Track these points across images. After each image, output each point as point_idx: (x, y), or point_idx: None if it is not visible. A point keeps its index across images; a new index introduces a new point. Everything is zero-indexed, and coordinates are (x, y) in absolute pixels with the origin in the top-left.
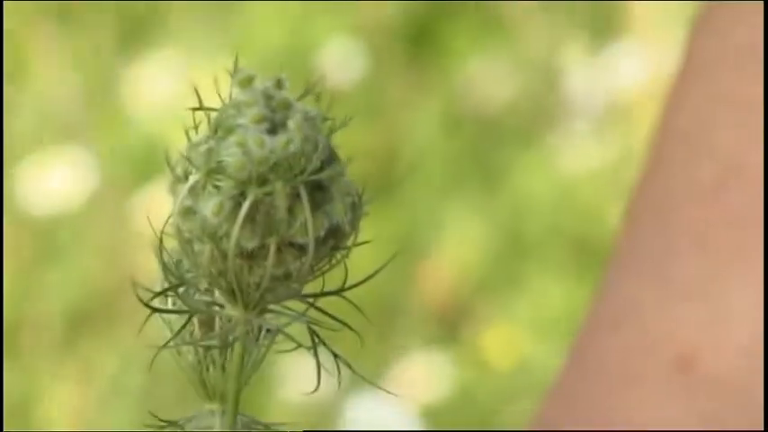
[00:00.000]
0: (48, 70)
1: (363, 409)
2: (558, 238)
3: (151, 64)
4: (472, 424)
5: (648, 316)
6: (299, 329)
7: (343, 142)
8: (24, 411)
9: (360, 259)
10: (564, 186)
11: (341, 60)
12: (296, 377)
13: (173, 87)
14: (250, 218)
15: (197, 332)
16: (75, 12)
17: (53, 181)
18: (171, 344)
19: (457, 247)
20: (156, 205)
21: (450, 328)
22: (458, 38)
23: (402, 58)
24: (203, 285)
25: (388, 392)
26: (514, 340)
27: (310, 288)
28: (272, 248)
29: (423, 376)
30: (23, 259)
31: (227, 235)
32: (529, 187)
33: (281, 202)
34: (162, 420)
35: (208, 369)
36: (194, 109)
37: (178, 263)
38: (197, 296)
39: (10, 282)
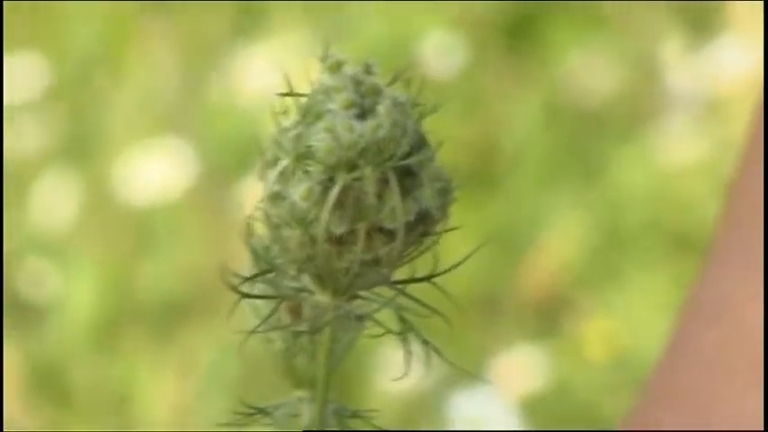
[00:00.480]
0: (148, 61)
1: (463, 400)
2: (656, 231)
3: (254, 55)
4: (570, 417)
5: (746, 310)
6: (391, 317)
7: (442, 134)
8: (124, 404)
9: (458, 251)
10: (663, 180)
11: (441, 52)
12: (396, 367)
13: (275, 79)
14: (339, 203)
15: (285, 319)
16: (177, 3)
17: (153, 171)
18: (260, 329)
19: (556, 241)
20: (256, 195)
21: (549, 321)
22: (558, 30)
23: (502, 50)
24: (292, 271)
25: (487, 383)
26: (613, 333)
27: (400, 275)
28: (362, 234)
29: (521, 369)
30: (123, 250)
31: (317, 220)
32: (628, 180)
33: (370, 188)
34: (251, 407)
35: (296, 356)
36: (284, 95)
37: (267, 249)
38: (286, 282)
39: (109, 273)
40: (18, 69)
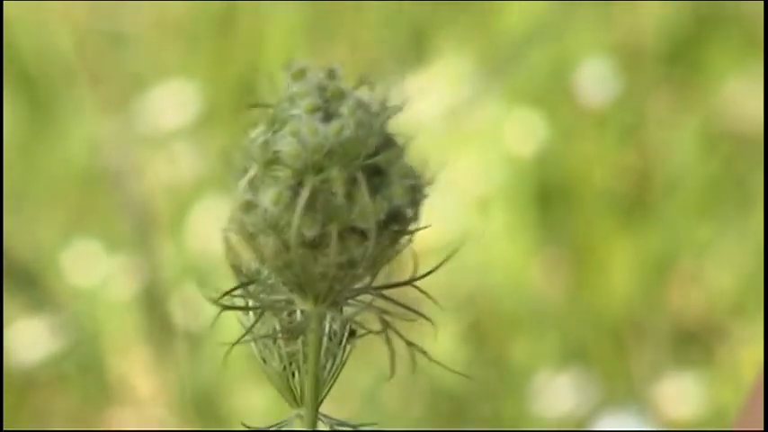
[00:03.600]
0: None
1: (616, 426)
2: None
3: (412, 86)
4: None
5: None
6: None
7: (599, 161)
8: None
9: (615, 277)
10: None
11: (598, 80)
12: (551, 394)
13: (434, 108)
14: (310, 206)
15: (279, 339)
16: (346, 30)
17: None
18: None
19: (712, 268)
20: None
21: (704, 348)
22: (715, 57)
23: (658, 77)
24: (272, 281)
25: (641, 410)
26: None
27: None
28: (334, 235)
29: (676, 395)
30: None
31: (289, 224)
32: None
33: (339, 188)
34: (249, 429)
35: (293, 375)
36: (252, 106)
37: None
38: (269, 296)
39: None
40: (172, 96)
